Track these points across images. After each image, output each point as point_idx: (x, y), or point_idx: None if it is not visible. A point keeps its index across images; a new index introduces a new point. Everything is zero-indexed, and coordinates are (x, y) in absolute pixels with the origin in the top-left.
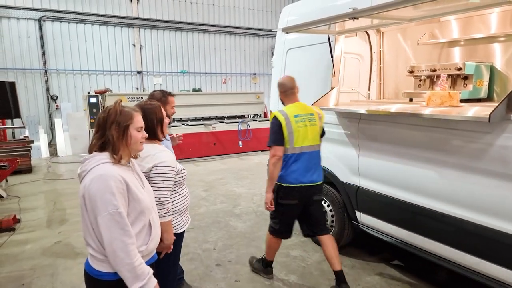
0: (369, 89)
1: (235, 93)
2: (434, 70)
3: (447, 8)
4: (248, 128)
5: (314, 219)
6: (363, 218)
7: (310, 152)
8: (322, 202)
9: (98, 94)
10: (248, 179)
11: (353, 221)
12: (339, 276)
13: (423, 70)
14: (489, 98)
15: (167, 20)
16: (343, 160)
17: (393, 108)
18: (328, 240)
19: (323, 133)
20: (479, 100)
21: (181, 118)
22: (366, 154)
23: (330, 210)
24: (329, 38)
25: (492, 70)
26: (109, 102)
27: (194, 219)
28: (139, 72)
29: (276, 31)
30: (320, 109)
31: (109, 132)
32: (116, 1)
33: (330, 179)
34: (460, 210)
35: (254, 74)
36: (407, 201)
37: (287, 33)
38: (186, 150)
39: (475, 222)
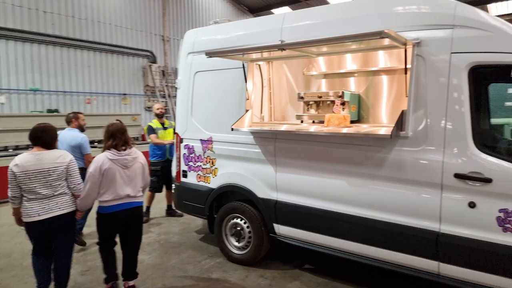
0: (261, 112)
1: (105, 115)
2: (320, 97)
3: (339, 49)
4: None
5: (169, 178)
6: (281, 229)
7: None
8: (239, 220)
9: None
10: None
11: (270, 234)
12: (169, 207)
13: (311, 96)
14: (358, 120)
15: (12, 29)
16: (260, 177)
17: (284, 127)
18: (169, 192)
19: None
20: (352, 122)
21: None
22: (283, 170)
23: (247, 227)
24: (243, 64)
25: (359, 98)
26: None
27: (86, 259)
28: None
29: (147, 52)
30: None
31: (128, 136)
32: None
33: (247, 196)
34: (368, 211)
35: (124, 94)
36: (322, 208)
37: (210, 56)
38: None
39: (380, 220)
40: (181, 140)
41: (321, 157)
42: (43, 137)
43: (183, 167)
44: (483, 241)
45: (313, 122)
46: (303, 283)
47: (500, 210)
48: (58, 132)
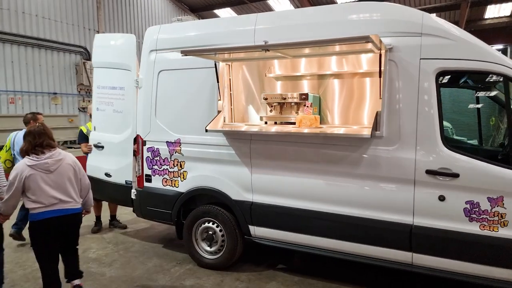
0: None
1: None
2: (284, 98)
3: (318, 51)
4: None
5: None
6: (257, 231)
7: None
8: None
9: None
10: None
11: (245, 236)
12: (113, 217)
13: (275, 98)
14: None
15: None
16: (234, 179)
17: (262, 128)
18: None
19: None
20: None
21: None
22: (259, 171)
23: (220, 230)
24: (215, 64)
25: (320, 99)
26: None
27: (36, 276)
28: None
29: (80, 48)
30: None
31: (47, 138)
32: None
33: (220, 199)
34: (345, 208)
35: (55, 93)
36: (301, 207)
37: (186, 55)
38: None
39: (356, 216)
40: (143, 143)
41: (299, 157)
42: None
43: (147, 171)
44: (452, 231)
45: (275, 123)
46: (280, 282)
47: (467, 202)
48: (14, 133)
